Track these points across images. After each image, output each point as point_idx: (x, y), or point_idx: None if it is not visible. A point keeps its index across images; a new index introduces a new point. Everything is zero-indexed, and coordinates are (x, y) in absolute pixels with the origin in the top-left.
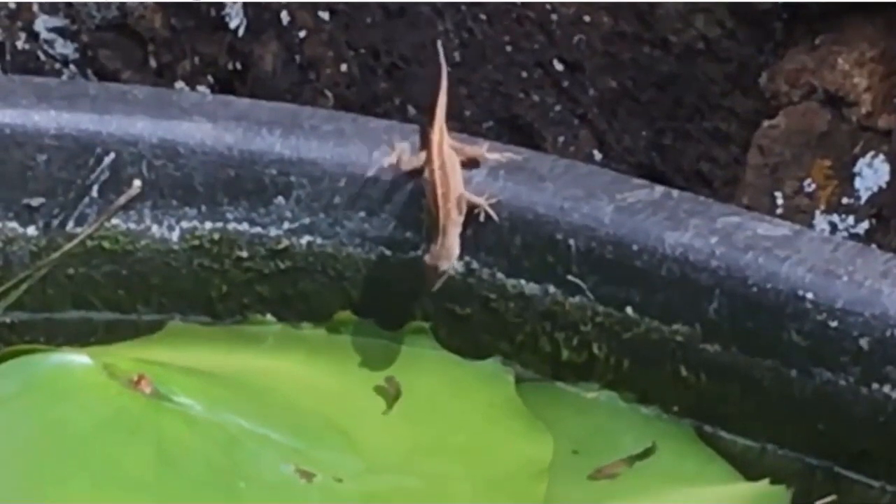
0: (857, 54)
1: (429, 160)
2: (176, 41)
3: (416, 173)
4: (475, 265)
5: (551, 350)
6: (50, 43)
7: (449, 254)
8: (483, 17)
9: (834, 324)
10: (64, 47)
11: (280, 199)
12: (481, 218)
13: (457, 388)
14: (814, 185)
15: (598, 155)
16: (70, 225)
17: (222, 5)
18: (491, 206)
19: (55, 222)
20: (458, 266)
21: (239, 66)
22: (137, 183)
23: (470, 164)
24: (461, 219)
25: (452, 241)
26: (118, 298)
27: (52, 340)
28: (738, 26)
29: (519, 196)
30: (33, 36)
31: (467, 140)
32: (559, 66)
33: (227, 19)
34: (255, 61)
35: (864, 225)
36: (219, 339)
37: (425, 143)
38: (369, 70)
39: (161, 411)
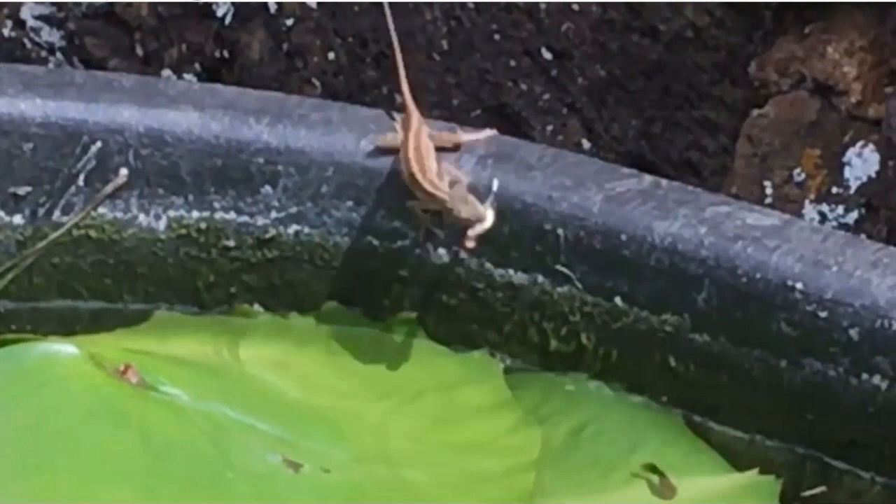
0: (847, 43)
1: (404, 145)
2: (163, 29)
3: (395, 151)
4: (463, 254)
5: (539, 340)
6: (36, 31)
7: (475, 210)
8: (471, 4)
9: (823, 314)
10: (50, 35)
11: (267, 188)
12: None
13: (444, 378)
14: (803, 175)
15: (586, 144)
16: (56, 214)
17: None
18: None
19: (41, 211)
20: (442, 255)
21: (226, 54)
22: (124, 171)
23: (451, 149)
24: (446, 184)
25: (458, 199)
26: (105, 287)
27: (37, 329)
28: (727, 15)
29: (507, 185)
30: (19, 24)
31: (446, 128)
32: (547, 55)
33: (214, 7)
34: (242, 49)
35: (854, 215)
36: (206, 328)
37: (402, 127)
38: (357, 58)
39: (147, 401)
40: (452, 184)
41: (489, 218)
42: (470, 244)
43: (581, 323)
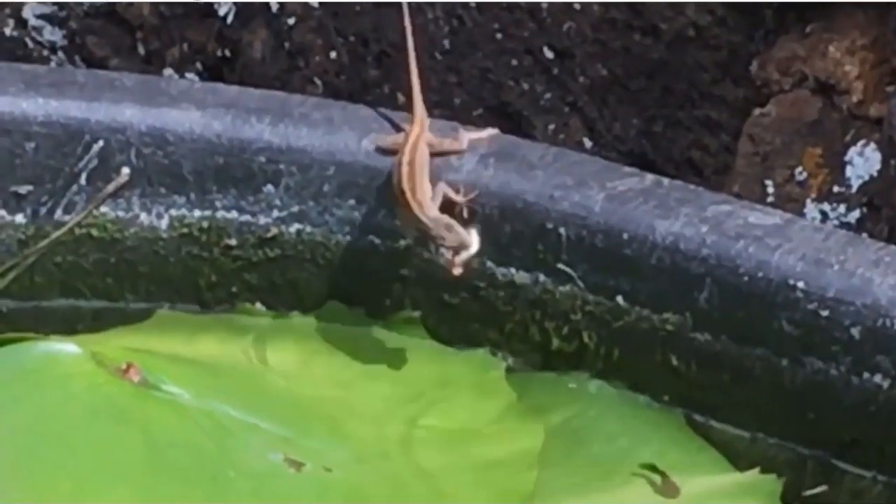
0: (849, 42)
1: (400, 154)
2: (164, 28)
3: (394, 153)
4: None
5: (541, 339)
6: (38, 30)
7: (459, 238)
8: (472, 4)
9: (825, 313)
10: (52, 34)
11: (269, 188)
12: (464, 214)
13: (446, 377)
14: (805, 174)
15: (588, 143)
16: (58, 213)
17: None
18: (471, 200)
19: (43, 210)
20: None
21: (228, 53)
22: (126, 171)
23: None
24: (436, 207)
25: (442, 227)
26: (106, 286)
27: (40, 329)
28: (729, 14)
29: (508, 184)
30: (21, 23)
31: (450, 132)
32: (549, 54)
33: (215, 6)
34: (243, 48)
35: (856, 214)
36: (207, 327)
37: (404, 135)
38: (359, 57)
39: (149, 400)
40: (445, 206)
41: (475, 244)
42: (457, 271)
43: (583, 322)
